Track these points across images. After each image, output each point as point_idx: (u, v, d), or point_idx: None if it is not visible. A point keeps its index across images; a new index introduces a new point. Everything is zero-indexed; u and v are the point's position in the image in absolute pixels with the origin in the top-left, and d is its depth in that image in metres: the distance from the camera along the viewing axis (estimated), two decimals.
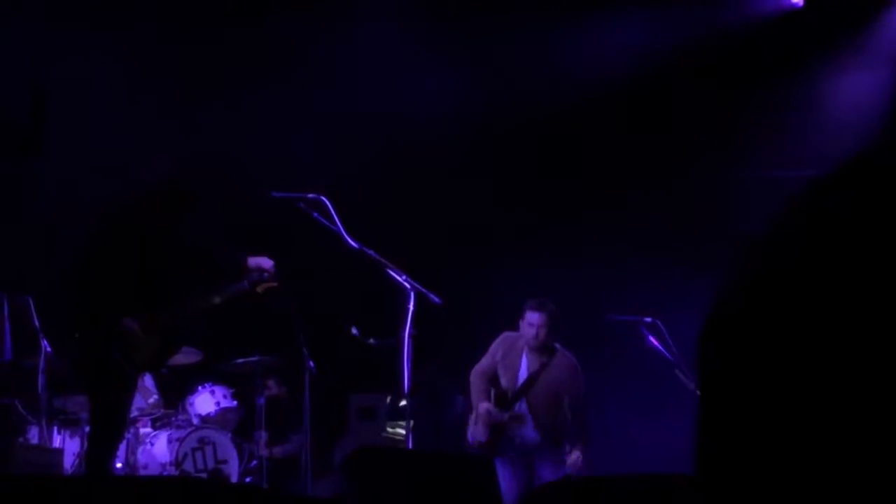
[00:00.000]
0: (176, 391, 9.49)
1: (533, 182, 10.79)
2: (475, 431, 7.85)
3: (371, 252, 6.84)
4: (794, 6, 10.38)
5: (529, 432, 7.73)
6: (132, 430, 8.60)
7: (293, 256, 7.44)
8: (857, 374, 0.86)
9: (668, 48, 10.32)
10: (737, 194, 10.07)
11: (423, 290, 6.86)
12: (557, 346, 7.78)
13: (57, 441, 8.62)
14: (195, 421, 9.25)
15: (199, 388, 9.51)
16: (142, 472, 8.66)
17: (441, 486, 4.93)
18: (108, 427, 6.36)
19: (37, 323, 8.27)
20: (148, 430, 9.09)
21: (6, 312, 7.86)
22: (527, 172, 10.78)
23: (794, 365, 0.88)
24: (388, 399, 9.72)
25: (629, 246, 10.26)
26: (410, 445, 7.26)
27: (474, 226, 10.59)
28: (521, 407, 7.74)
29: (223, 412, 9.46)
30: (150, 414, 9.19)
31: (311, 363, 8.43)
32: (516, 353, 7.85)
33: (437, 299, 6.87)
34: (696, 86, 10.36)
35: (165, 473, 8.58)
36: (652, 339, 7.84)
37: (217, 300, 6.64)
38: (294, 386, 9.26)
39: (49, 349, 8.26)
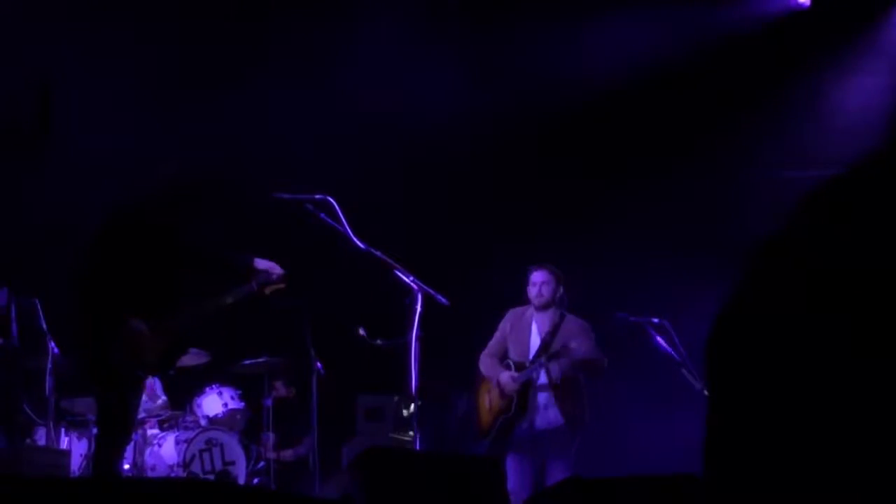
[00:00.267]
0: (183, 392, 9.50)
1: (539, 182, 10.78)
2: (492, 400, 7.86)
3: (378, 253, 6.84)
4: (800, 6, 10.37)
5: (549, 409, 7.69)
6: (140, 432, 8.61)
7: (301, 258, 7.44)
8: (867, 374, 0.86)
9: (674, 48, 10.30)
10: (744, 195, 10.05)
11: (431, 290, 6.86)
12: (565, 312, 7.82)
13: (64, 442, 8.62)
14: (203, 422, 9.26)
15: (207, 389, 9.52)
16: (149, 474, 8.67)
17: (449, 487, 4.93)
18: (116, 429, 6.35)
19: (44, 325, 8.28)
20: (155, 431, 9.10)
21: (13, 314, 7.87)
22: (533, 172, 10.77)
23: (804, 365, 0.88)
24: (396, 399, 9.72)
25: (636, 246, 10.25)
26: (418, 447, 7.26)
27: (480, 226, 10.58)
28: (541, 377, 7.74)
29: (231, 413, 9.46)
30: (158, 415, 9.20)
31: (319, 364, 8.43)
32: (525, 323, 7.90)
33: (444, 300, 6.87)
34: (703, 85, 10.34)
35: (173, 475, 8.59)
36: (659, 339, 7.83)
37: (226, 301, 6.64)
38: (302, 387, 9.27)
39: (56, 351, 8.27)
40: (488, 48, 10.58)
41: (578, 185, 10.69)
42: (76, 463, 8.52)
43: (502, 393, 7.77)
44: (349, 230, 6.76)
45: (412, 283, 6.85)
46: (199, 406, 9.46)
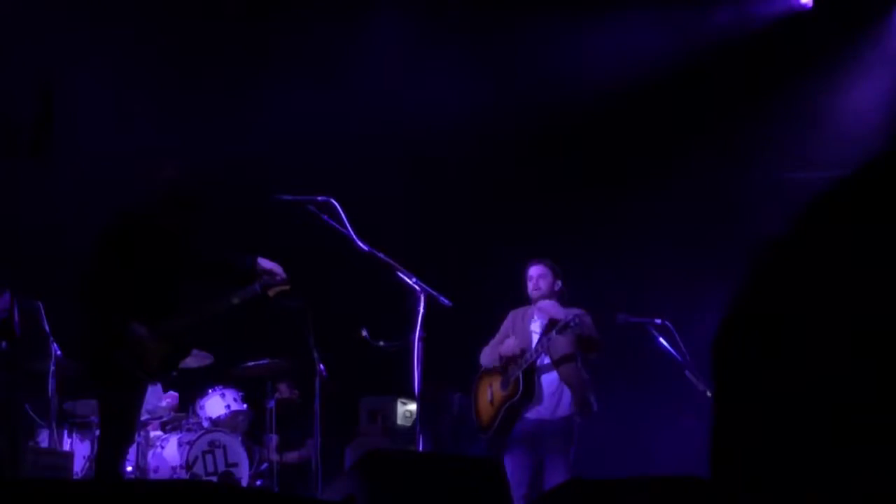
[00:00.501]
0: (186, 394, 9.51)
1: (542, 183, 10.78)
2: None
3: (381, 254, 6.84)
4: (803, 7, 10.37)
5: (557, 395, 7.68)
6: (142, 434, 8.62)
7: (303, 260, 7.44)
8: (874, 375, 0.86)
9: (675, 49, 10.31)
10: (747, 195, 10.05)
11: (434, 292, 6.86)
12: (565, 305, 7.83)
13: (67, 444, 8.63)
14: (206, 424, 9.26)
15: (210, 391, 9.53)
16: (152, 476, 8.68)
17: (451, 488, 4.93)
18: (119, 430, 6.35)
19: (47, 327, 8.29)
20: (158, 433, 9.11)
21: (16, 317, 7.87)
22: (536, 173, 10.78)
23: (810, 366, 0.88)
24: (398, 402, 9.73)
25: (638, 247, 10.25)
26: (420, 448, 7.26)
27: (483, 226, 10.59)
28: (544, 360, 7.73)
29: (234, 415, 9.47)
30: (161, 417, 9.21)
31: (322, 366, 8.43)
32: (525, 320, 7.91)
33: (447, 301, 6.87)
34: (707, 87, 10.34)
35: (176, 476, 8.59)
36: (662, 340, 7.83)
37: (230, 303, 6.64)
38: (304, 389, 9.27)
39: (59, 353, 8.28)
40: (489, 50, 10.59)
41: (581, 185, 10.70)
42: (79, 465, 8.52)
43: (506, 380, 7.76)
44: (352, 232, 6.76)
45: (415, 285, 6.84)
46: (202, 408, 9.46)
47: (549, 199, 10.75)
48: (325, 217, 6.80)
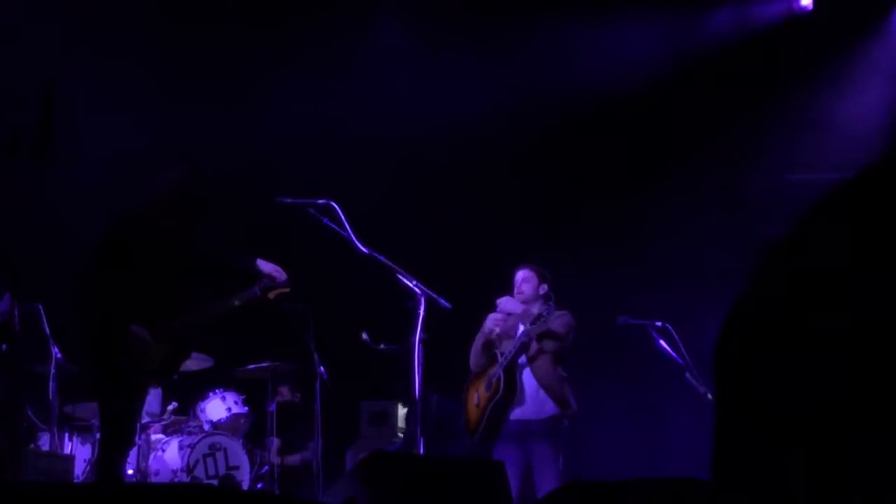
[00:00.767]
0: (187, 397, 9.50)
1: (542, 186, 10.78)
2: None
3: (381, 257, 6.85)
4: (803, 10, 10.37)
5: (538, 395, 7.67)
6: (143, 437, 8.61)
7: (304, 262, 7.44)
8: (877, 375, 0.86)
9: (679, 53, 10.31)
10: (748, 198, 10.06)
11: (434, 294, 6.86)
12: (552, 307, 7.78)
13: (68, 448, 8.63)
14: (206, 427, 9.25)
15: (211, 394, 9.52)
16: (153, 479, 8.67)
17: (453, 490, 4.93)
18: (119, 434, 6.35)
19: (47, 330, 8.29)
20: (159, 436, 9.10)
21: (16, 319, 7.86)
22: (536, 176, 10.78)
23: (813, 369, 0.88)
24: (399, 405, 9.73)
25: (639, 249, 10.25)
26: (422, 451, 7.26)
27: (483, 229, 10.58)
28: (523, 358, 7.74)
29: (234, 418, 9.46)
30: (162, 420, 9.21)
31: (322, 369, 8.43)
32: (512, 323, 7.90)
33: (447, 304, 6.87)
34: (709, 89, 10.35)
35: (177, 480, 8.59)
36: (662, 342, 7.83)
37: (230, 306, 6.64)
38: (305, 392, 9.26)
39: (59, 356, 8.28)
40: (491, 53, 10.59)
41: (582, 188, 10.70)
42: (80, 468, 8.52)
43: (489, 381, 7.76)
44: (352, 234, 6.77)
45: (415, 288, 6.85)
46: (203, 411, 9.46)
47: (551, 202, 10.75)
48: (326, 220, 6.81)
